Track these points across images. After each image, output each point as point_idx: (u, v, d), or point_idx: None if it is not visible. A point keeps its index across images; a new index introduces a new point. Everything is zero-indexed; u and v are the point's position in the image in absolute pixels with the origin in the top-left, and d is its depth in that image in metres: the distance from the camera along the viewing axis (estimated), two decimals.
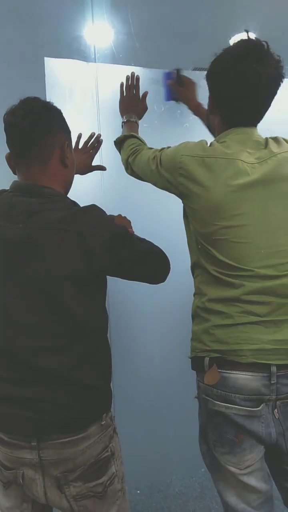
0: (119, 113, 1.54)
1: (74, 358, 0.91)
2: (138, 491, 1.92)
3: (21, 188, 0.97)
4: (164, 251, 1.10)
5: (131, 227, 1.30)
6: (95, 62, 1.79)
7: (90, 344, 0.95)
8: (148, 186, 1.86)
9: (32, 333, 0.90)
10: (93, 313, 0.96)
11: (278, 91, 1.78)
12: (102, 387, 0.97)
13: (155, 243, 1.11)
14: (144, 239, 1.09)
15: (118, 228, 0.98)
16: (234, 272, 1.00)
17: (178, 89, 1.45)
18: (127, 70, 1.83)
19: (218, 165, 1.00)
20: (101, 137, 1.43)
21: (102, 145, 1.76)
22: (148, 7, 2.31)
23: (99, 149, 1.44)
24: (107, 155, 1.74)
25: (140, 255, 1.02)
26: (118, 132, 1.80)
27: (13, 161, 1.01)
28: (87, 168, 1.41)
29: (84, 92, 1.73)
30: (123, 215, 1.33)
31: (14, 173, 1.03)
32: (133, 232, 1.24)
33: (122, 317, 1.77)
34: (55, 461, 0.89)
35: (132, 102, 1.47)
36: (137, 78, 1.48)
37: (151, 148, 1.23)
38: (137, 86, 1.49)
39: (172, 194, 1.13)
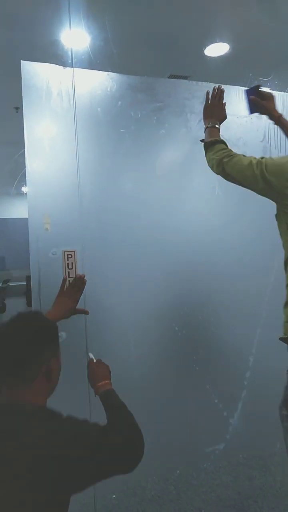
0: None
1: None
2: (114, 496, 1.91)
3: (2, 409, 0.96)
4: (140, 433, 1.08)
5: (109, 373, 1.31)
6: (72, 67, 1.80)
7: None
8: (123, 192, 1.88)
9: None
10: None
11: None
12: None
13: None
14: (122, 418, 1.08)
15: (87, 441, 0.93)
16: None
17: (259, 103, 1.61)
18: (104, 75, 1.86)
19: None
20: (85, 277, 1.43)
21: (80, 149, 1.77)
22: (125, 15, 2.34)
23: (83, 290, 1.44)
24: (84, 160, 1.75)
25: (118, 456, 0.98)
26: (94, 136, 1.82)
27: None
28: (71, 312, 1.41)
29: (61, 96, 1.74)
30: (102, 360, 1.35)
31: None
32: (110, 381, 1.26)
33: (98, 321, 1.77)
34: None
35: (216, 110, 1.61)
36: (223, 91, 1.63)
37: (245, 155, 1.42)
38: (221, 97, 1.63)
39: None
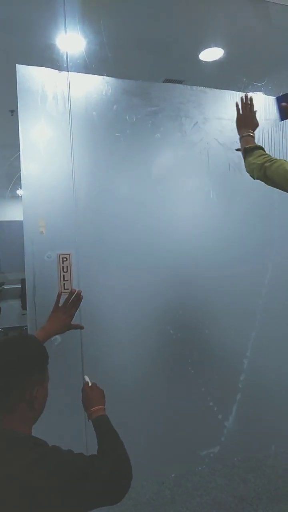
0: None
1: None
2: None
3: None
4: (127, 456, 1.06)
5: (103, 397, 1.30)
6: (67, 71, 1.81)
7: None
8: (118, 195, 1.88)
9: None
10: None
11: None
12: None
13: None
14: (111, 448, 1.05)
15: (73, 468, 0.90)
16: None
17: None
18: (99, 79, 1.87)
19: None
20: (82, 294, 1.42)
21: (75, 152, 1.77)
22: (120, 19, 2.35)
23: (79, 306, 1.42)
24: (79, 163, 1.76)
25: (103, 487, 0.95)
26: (89, 139, 1.83)
27: None
28: (66, 328, 1.40)
29: (56, 100, 1.74)
30: (97, 384, 1.34)
31: None
32: (104, 406, 1.24)
33: (93, 325, 1.77)
34: None
35: (248, 120, 1.64)
36: (251, 98, 1.65)
37: (286, 160, 1.43)
38: (252, 105, 1.65)
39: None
